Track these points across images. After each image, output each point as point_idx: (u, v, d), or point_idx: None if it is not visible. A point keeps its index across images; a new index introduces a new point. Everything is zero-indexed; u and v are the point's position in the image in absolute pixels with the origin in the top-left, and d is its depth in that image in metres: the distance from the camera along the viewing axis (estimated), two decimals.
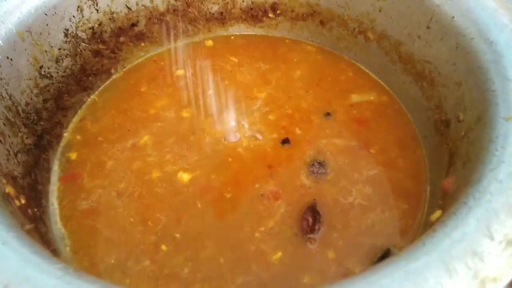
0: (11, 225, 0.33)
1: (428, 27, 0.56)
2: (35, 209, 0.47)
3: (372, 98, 0.65)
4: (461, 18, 0.51)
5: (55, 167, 0.57)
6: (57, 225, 0.51)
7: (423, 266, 0.30)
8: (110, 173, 0.56)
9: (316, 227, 0.50)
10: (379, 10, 0.64)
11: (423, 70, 0.59)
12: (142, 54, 0.71)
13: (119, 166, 0.56)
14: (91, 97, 0.66)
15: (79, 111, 0.63)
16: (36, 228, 0.43)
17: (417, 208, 0.52)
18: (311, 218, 0.51)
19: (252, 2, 0.73)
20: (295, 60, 0.71)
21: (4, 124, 0.47)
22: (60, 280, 0.28)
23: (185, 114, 0.63)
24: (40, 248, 0.31)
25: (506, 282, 0.30)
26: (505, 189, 0.35)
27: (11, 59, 0.50)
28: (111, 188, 0.54)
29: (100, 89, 0.67)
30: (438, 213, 0.44)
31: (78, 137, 0.60)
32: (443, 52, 0.54)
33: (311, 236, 0.50)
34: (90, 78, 0.65)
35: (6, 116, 0.48)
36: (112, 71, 0.68)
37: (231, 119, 0.62)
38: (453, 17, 0.52)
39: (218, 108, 0.63)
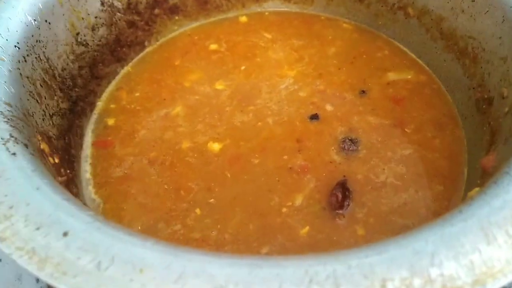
0: (45, 173, 0.33)
1: (472, 0, 0.54)
2: (68, 171, 0.48)
3: (409, 76, 0.63)
4: None
5: (88, 135, 0.58)
6: (89, 190, 0.52)
7: (459, 231, 0.29)
8: (141, 142, 0.56)
9: (346, 203, 0.49)
10: None
11: (466, 46, 0.56)
12: (176, 28, 0.71)
13: (151, 135, 0.57)
14: (125, 68, 0.66)
15: (112, 81, 0.64)
16: (67, 186, 0.44)
17: (453, 190, 0.50)
18: (340, 194, 0.49)
19: None
20: (330, 37, 0.69)
21: (41, 85, 0.48)
22: (90, 225, 0.28)
23: (218, 87, 0.62)
24: (72, 196, 0.31)
25: None
26: None
27: (49, 23, 0.51)
28: (142, 156, 0.55)
29: (134, 60, 0.67)
30: (476, 190, 0.42)
31: (113, 105, 0.61)
32: (488, 25, 0.51)
33: (340, 212, 0.48)
34: (124, 49, 0.65)
35: (43, 78, 0.49)
36: (146, 43, 0.68)
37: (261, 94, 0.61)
38: None
39: (250, 83, 0.62)
